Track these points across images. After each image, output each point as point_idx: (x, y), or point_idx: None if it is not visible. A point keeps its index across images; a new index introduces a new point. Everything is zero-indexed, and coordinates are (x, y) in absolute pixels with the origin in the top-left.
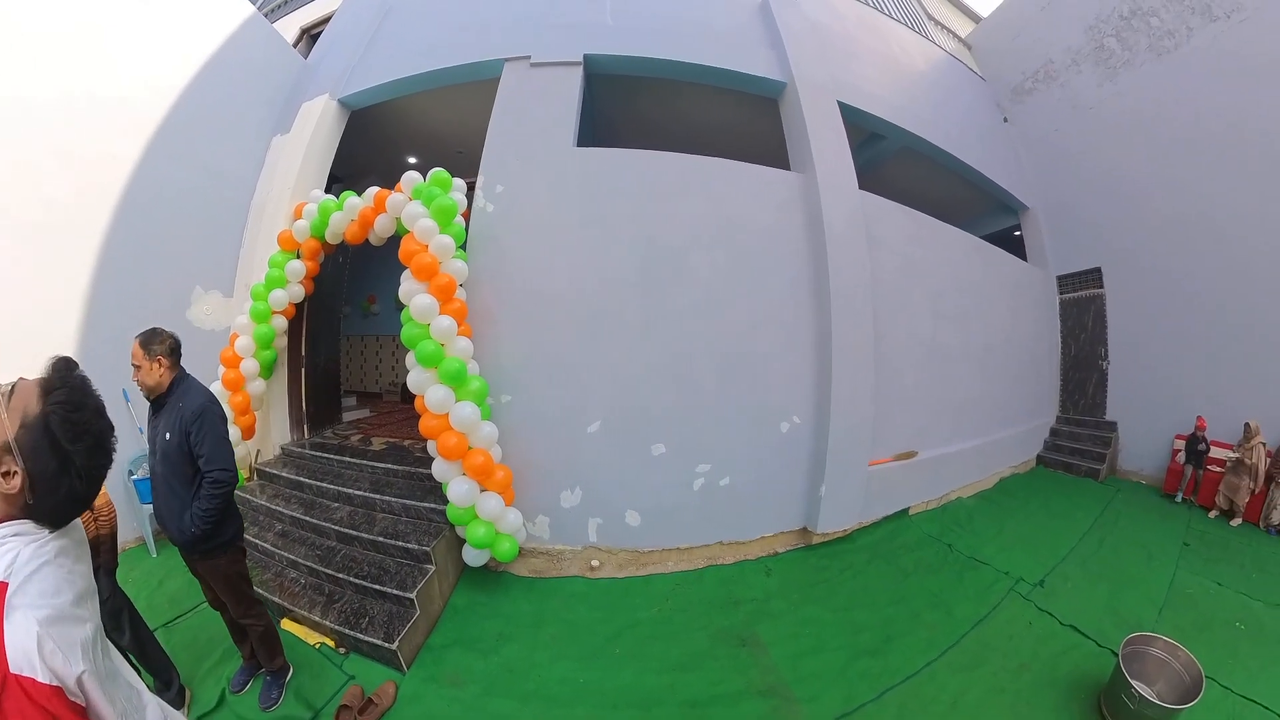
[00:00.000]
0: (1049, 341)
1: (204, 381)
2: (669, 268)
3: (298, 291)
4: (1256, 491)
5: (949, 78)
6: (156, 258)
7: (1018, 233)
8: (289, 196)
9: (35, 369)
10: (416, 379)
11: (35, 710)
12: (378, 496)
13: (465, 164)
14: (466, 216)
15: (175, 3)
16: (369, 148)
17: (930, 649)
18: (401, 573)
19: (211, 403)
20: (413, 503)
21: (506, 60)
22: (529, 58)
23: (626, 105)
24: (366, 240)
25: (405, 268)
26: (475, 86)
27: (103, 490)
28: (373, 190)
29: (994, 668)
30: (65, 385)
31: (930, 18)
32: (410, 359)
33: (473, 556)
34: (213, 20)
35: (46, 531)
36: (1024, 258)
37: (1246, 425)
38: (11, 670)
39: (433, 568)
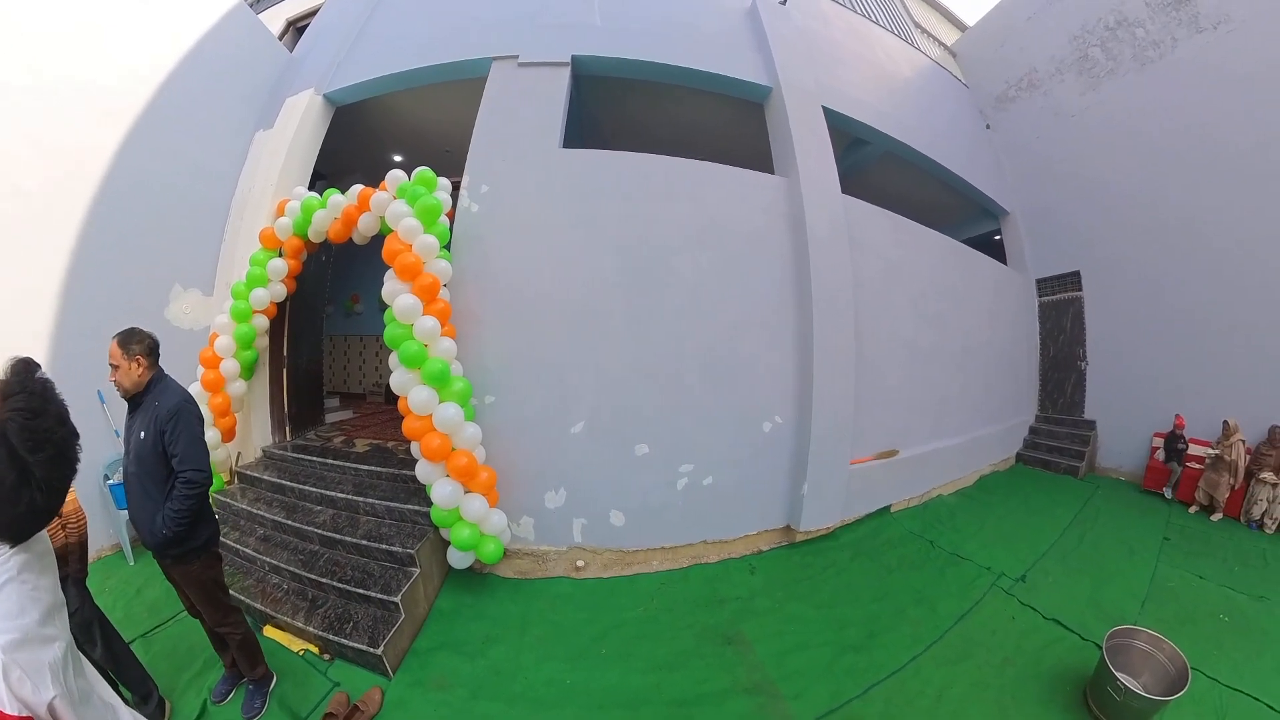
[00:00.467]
0: (1028, 343)
1: (182, 383)
2: (653, 269)
3: (280, 290)
4: (1236, 487)
5: (933, 85)
6: (134, 254)
7: (998, 237)
8: (271, 193)
9: None
10: (400, 380)
11: None
12: (361, 499)
13: (451, 163)
14: (451, 216)
15: None
16: (354, 145)
17: (915, 644)
18: (386, 576)
19: (187, 402)
20: (397, 505)
21: (494, 59)
22: (517, 57)
23: (613, 107)
24: (350, 239)
25: (389, 267)
26: (462, 85)
27: (72, 495)
28: (357, 188)
29: (978, 662)
30: (24, 390)
31: (917, 25)
32: (394, 360)
33: (457, 559)
34: (196, 8)
35: (7, 547)
36: (1004, 261)
37: (1225, 423)
38: None
39: (417, 570)
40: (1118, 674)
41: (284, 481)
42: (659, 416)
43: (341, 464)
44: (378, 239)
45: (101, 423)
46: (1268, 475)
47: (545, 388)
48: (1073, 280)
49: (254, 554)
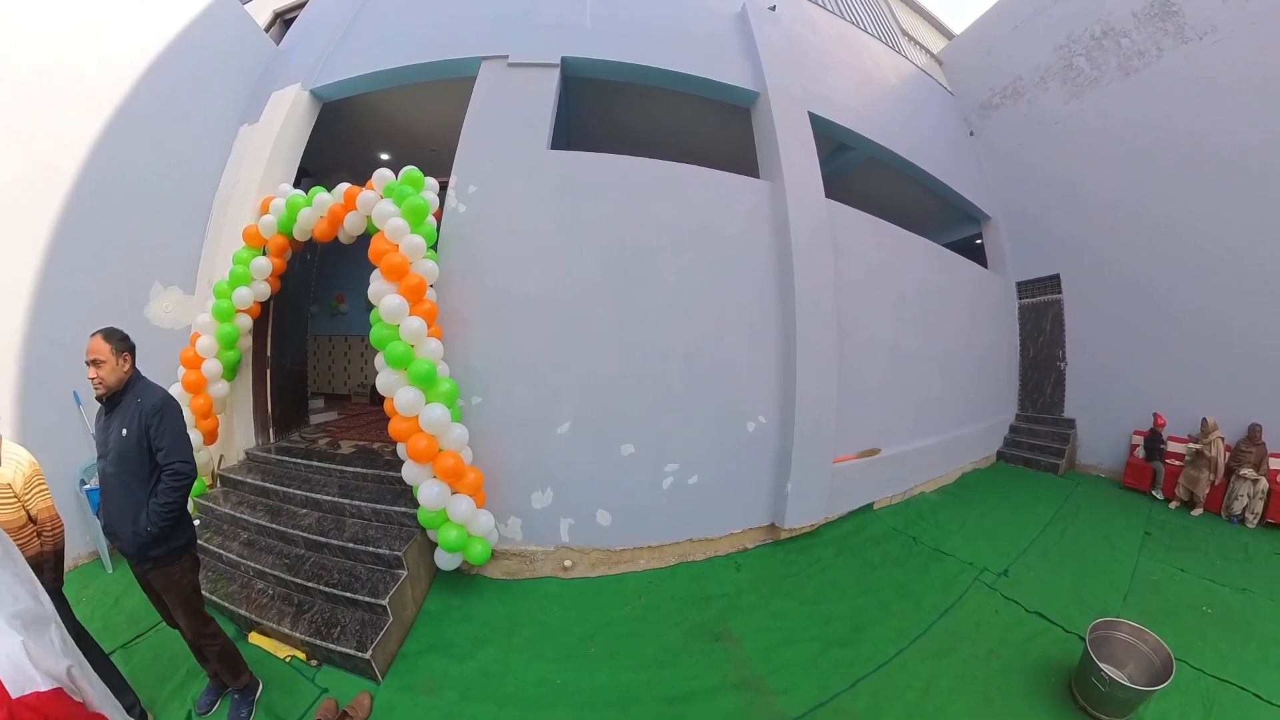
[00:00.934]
0: (1008, 344)
1: (163, 384)
2: (640, 271)
3: (263, 289)
4: (1217, 483)
5: (919, 92)
6: (112, 250)
7: (979, 241)
8: (256, 189)
9: None
10: (386, 381)
11: None
12: (347, 501)
13: (438, 163)
14: (438, 216)
15: None
16: (340, 142)
17: (900, 638)
18: (373, 579)
19: (171, 398)
20: (383, 507)
21: (484, 59)
22: (507, 57)
23: (601, 109)
24: (336, 238)
25: (375, 267)
26: (451, 84)
27: (48, 502)
28: (343, 186)
29: (963, 654)
30: None
31: (904, 33)
32: (380, 360)
33: (445, 560)
34: None
35: None
36: (985, 265)
37: (1204, 421)
38: (14, 696)
39: (405, 573)
40: (1102, 665)
41: (268, 484)
42: (644, 417)
43: (327, 466)
44: (363, 238)
45: (77, 425)
46: (1248, 472)
47: (531, 388)
48: (1052, 283)
49: (238, 559)
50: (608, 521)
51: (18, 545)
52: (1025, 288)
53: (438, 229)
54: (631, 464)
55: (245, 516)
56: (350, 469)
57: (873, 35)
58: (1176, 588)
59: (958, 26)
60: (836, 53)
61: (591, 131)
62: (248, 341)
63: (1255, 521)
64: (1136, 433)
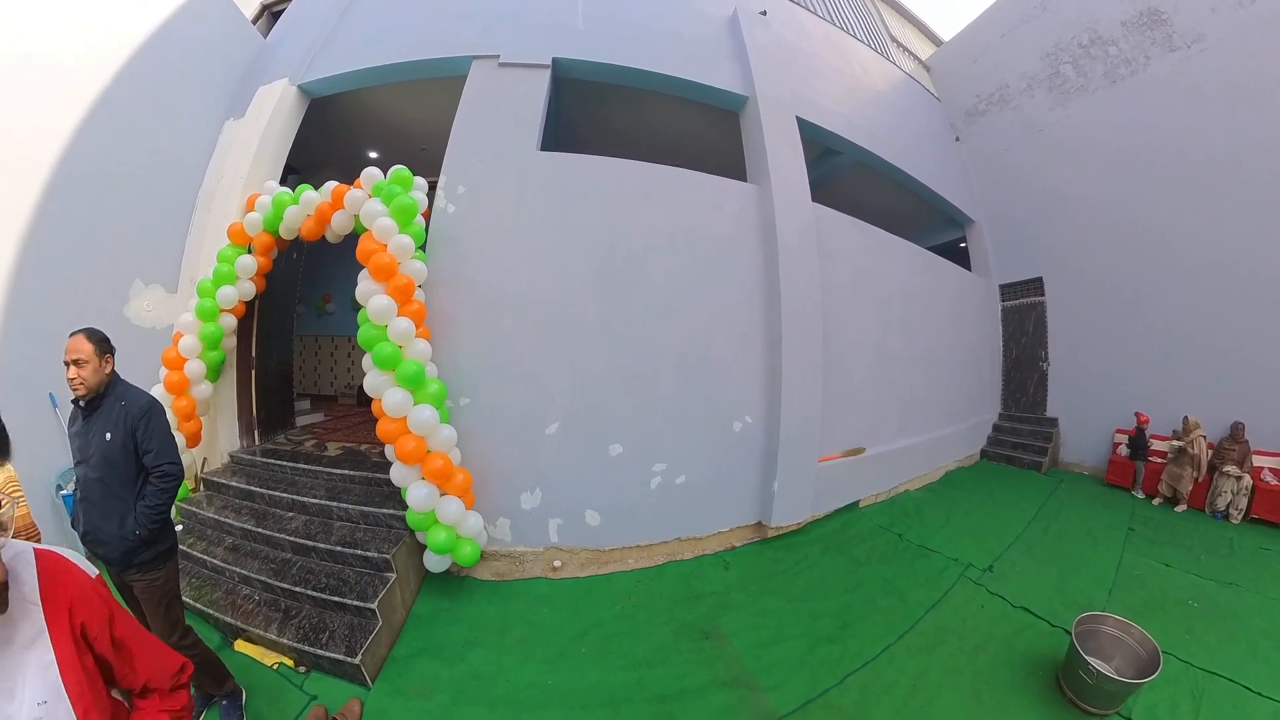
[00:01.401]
0: (991, 345)
1: (144, 384)
2: (628, 273)
3: (248, 289)
4: (1200, 480)
5: (906, 97)
6: (91, 246)
7: (963, 244)
8: (241, 186)
9: None
10: (374, 382)
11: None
12: (334, 504)
13: (427, 162)
14: (427, 216)
15: None
16: (329, 138)
17: (888, 633)
18: (362, 583)
19: (156, 400)
20: (371, 509)
21: (475, 58)
22: (498, 57)
23: (590, 111)
24: (323, 237)
25: (363, 266)
26: (441, 82)
27: (24, 509)
28: (331, 185)
29: (951, 649)
30: None
31: (893, 39)
32: (367, 361)
33: (434, 562)
34: None
35: None
36: (968, 268)
37: (1185, 419)
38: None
39: (394, 576)
40: (1088, 658)
41: (253, 488)
42: (632, 417)
43: (313, 468)
44: (351, 237)
45: (54, 429)
46: (1231, 469)
47: (520, 389)
48: (1035, 286)
49: (222, 564)
50: (596, 521)
51: None
52: (1008, 290)
53: (426, 229)
54: (620, 464)
55: (230, 521)
56: (337, 471)
57: (862, 41)
58: (1162, 582)
59: (946, 33)
60: (826, 58)
61: (581, 133)
62: (232, 341)
63: (1240, 517)
64: (1119, 431)
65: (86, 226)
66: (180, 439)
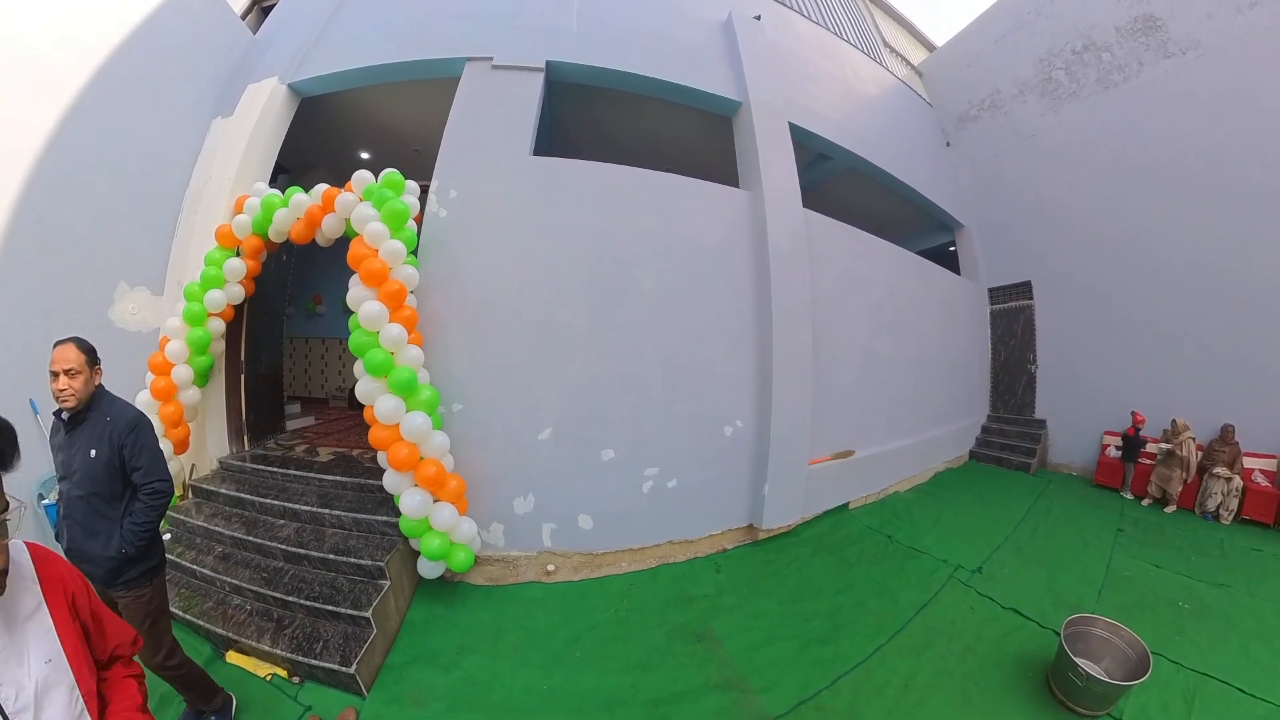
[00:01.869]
0: (979, 348)
1: (130, 390)
2: (620, 278)
3: (237, 292)
4: (1189, 481)
5: (898, 103)
6: (73, 246)
7: (953, 248)
8: (229, 187)
9: None
10: (365, 388)
11: None
12: (327, 511)
13: (420, 164)
14: (419, 221)
15: None
16: (319, 139)
17: (878, 635)
18: (355, 591)
19: (144, 415)
20: (364, 516)
21: (468, 60)
22: (491, 59)
23: (583, 115)
24: (313, 239)
25: (353, 270)
26: (434, 84)
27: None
28: (321, 188)
29: (941, 650)
30: None
31: (886, 44)
32: (359, 368)
33: (428, 568)
34: None
35: None
36: (958, 272)
37: (1174, 421)
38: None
39: (388, 583)
40: (1078, 660)
41: (243, 495)
42: (624, 422)
43: (305, 474)
44: (342, 239)
45: (34, 436)
46: (1221, 470)
47: (512, 394)
48: (1024, 289)
49: (212, 574)
50: (589, 525)
51: None
52: (997, 294)
53: (418, 234)
54: (612, 468)
55: (220, 529)
56: (329, 477)
57: (855, 46)
58: (1151, 583)
59: (939, 39)
60: (819, 63)
61: (574, 137)
62: (220, 346)
63: (1230, 518)
64: (1109, 433)
65: (68, 226)
66: (167, 446)
